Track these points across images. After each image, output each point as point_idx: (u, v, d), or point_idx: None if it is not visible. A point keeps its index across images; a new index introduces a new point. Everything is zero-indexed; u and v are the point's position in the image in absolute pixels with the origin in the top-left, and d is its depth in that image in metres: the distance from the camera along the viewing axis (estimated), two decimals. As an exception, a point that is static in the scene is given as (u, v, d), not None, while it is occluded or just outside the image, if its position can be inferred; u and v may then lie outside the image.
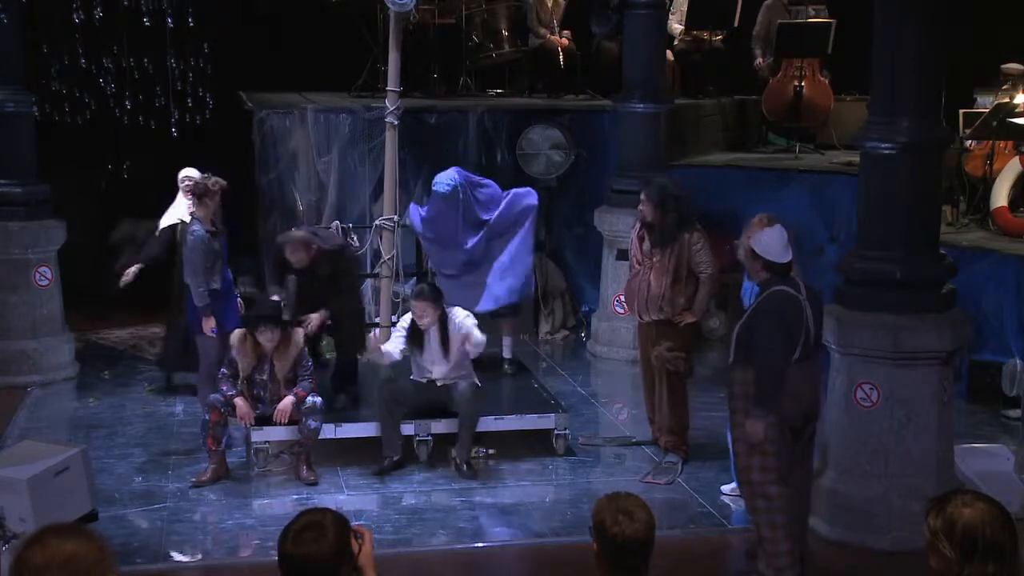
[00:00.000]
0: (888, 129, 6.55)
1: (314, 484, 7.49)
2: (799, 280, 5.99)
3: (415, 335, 7.80)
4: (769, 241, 5.95)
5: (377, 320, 9.04)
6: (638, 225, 7.87)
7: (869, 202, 6.78)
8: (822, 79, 11.82)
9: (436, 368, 7.84)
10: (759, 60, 12.34)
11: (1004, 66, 10.52)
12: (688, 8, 12.04)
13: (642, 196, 7.79)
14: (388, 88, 9.03)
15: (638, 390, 8.57)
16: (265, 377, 7.60)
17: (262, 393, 7.63)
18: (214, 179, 8.08)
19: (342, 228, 9.45)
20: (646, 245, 7.77)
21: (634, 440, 8.30)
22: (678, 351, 7.73)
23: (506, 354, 9.26)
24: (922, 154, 6.60)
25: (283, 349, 7.60)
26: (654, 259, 7.69)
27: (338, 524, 3.56)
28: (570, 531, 6.81)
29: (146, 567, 6.50)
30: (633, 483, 7.34)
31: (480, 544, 6.82)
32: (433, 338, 7.77)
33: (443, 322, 7.74)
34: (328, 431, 7.73)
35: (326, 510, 3.60)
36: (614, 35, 11.90)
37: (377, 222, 9.15)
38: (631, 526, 3.64)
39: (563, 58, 12.18)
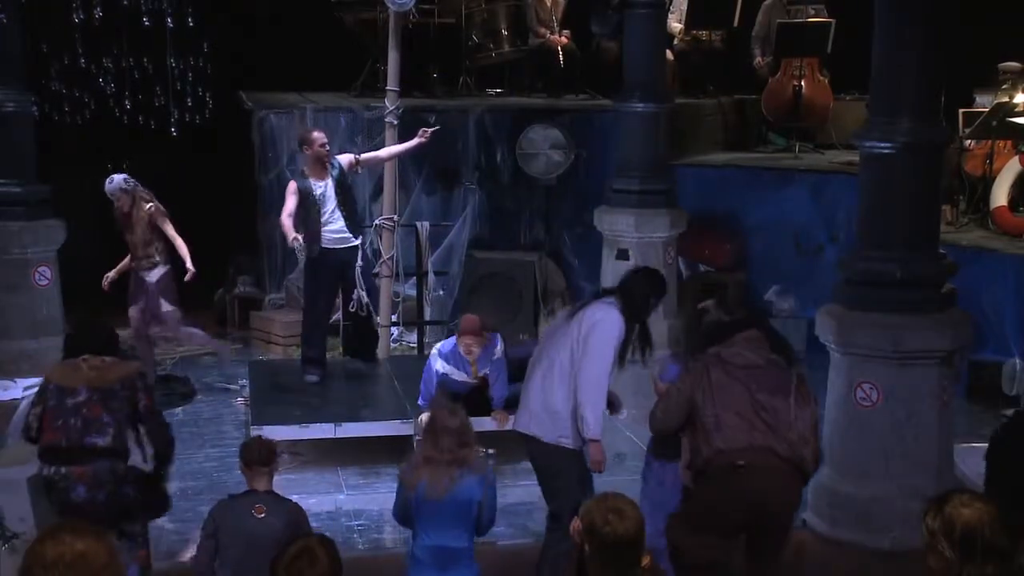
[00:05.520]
0: (888, 129, 6.55)
1: None
2: None
3: None
4: None
5: (377, 320, 9.02)
6: None
7: (869, 202, 6.78)
8: (822, 79, 11.83)
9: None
10: (759, 60, 12.34)
11: (1002, 64, 10.53)
12: (688, 8, 12.04)
13: None
14: (388, 88, 9.06)
15: (638, 390, 8.52)
16: None
17: None
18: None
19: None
20: None
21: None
22: None
23: None
24: (922, 154, 6.59)
25: None
26: None
27: (326, 545, 3.58)
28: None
29: (146, 567, 6.50)
30: (634, 483, 7.32)
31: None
32: None
33: None
34: (328, 431, 7.72)
35: (310, 535, 3.61)
36: (614, 35, 11.89)
37: (377, 222, 9.17)
38: (621, 524, 3.66)
39: (563, 58, 12.18)
